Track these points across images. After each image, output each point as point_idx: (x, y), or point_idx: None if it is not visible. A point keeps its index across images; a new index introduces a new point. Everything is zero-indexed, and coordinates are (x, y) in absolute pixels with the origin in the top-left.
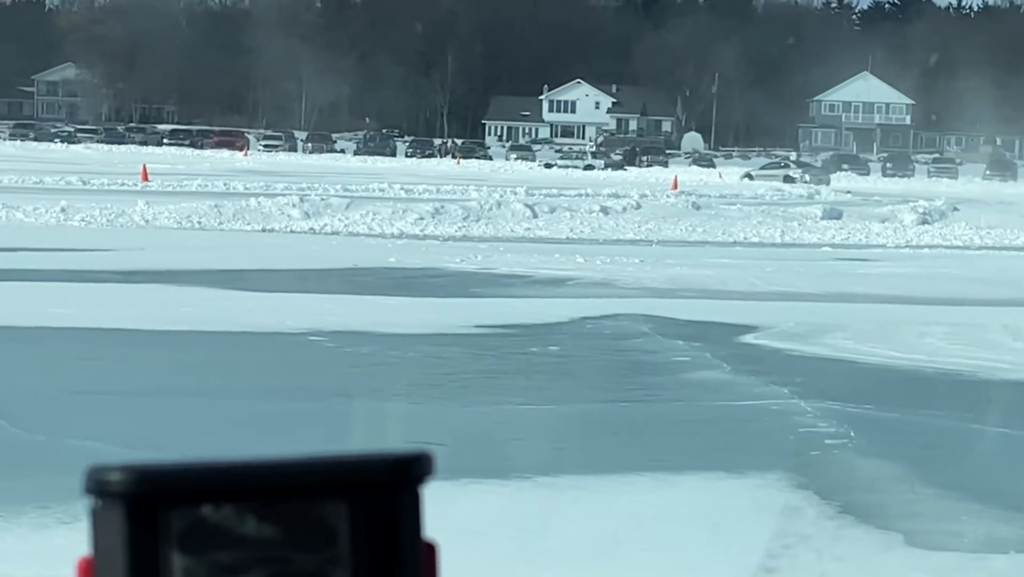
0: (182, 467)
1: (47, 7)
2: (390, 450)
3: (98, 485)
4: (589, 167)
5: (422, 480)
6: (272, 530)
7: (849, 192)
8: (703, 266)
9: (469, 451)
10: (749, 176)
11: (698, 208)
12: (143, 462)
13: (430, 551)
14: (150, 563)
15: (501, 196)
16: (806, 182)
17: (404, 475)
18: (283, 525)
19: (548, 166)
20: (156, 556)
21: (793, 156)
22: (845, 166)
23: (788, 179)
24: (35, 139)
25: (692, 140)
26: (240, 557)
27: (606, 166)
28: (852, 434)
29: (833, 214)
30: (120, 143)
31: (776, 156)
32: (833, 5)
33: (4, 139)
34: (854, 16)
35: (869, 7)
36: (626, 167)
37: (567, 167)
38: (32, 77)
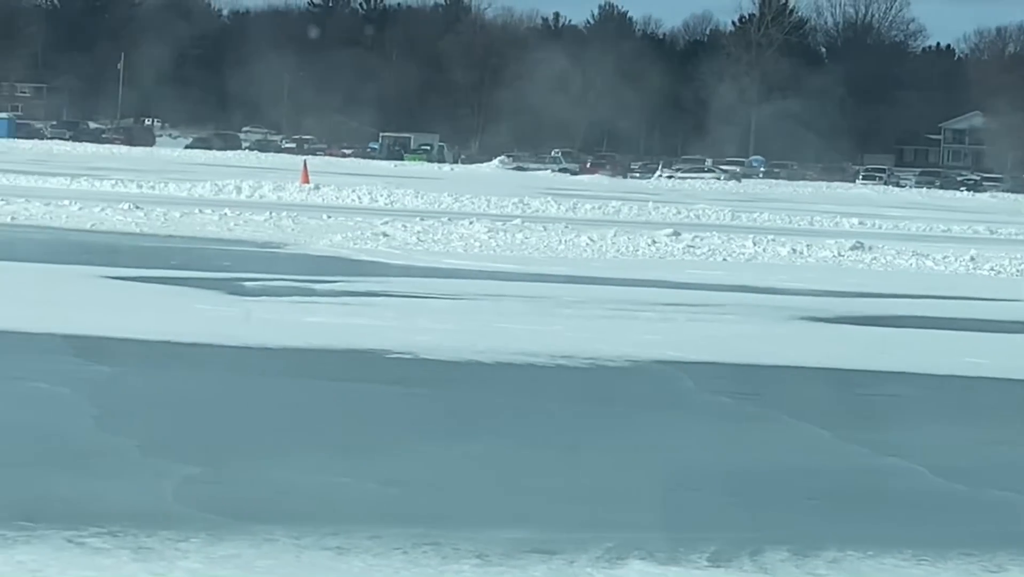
0: None
1: (956, 56)
2: None
3: None
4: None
5: None
6: None
7: None
8: None
9: None
10: None
11: None
12: None
13: None
14: None
15: None
16: None
17: None
18: None
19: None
20: None
21: None
22: None
23: None
24: (940, 187)
25: None
26: None
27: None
28: None
29: None
30: None
31: None
32: None
33: (910, 186)
34: None
35: None
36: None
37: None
38: (939, 125)
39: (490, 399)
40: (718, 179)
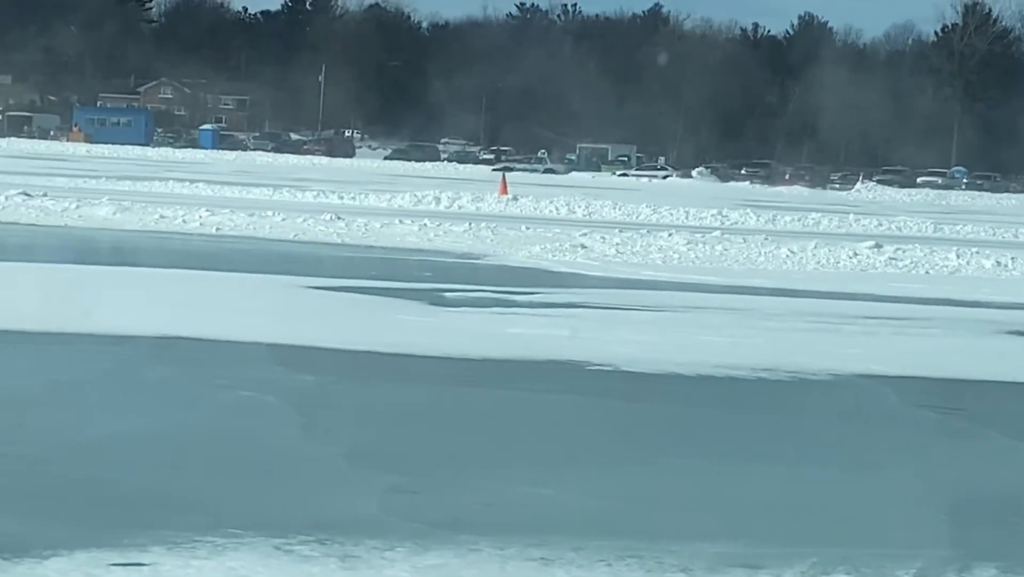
0: None
1: None
2: None
3: None
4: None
5: None
6: None
7: None
8: None
9: None
10: None
11: None
12: None
13: None
14: None
15: None
16: None
17: None
18: None
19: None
20: None
21: None
22: None
23: None
24: None
25: None
26: None
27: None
28: None
29: None
30: None
31: None
32: None
33: None
34: None
35: None
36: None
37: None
38: None
39: (691, 412)
40: (670, 176)
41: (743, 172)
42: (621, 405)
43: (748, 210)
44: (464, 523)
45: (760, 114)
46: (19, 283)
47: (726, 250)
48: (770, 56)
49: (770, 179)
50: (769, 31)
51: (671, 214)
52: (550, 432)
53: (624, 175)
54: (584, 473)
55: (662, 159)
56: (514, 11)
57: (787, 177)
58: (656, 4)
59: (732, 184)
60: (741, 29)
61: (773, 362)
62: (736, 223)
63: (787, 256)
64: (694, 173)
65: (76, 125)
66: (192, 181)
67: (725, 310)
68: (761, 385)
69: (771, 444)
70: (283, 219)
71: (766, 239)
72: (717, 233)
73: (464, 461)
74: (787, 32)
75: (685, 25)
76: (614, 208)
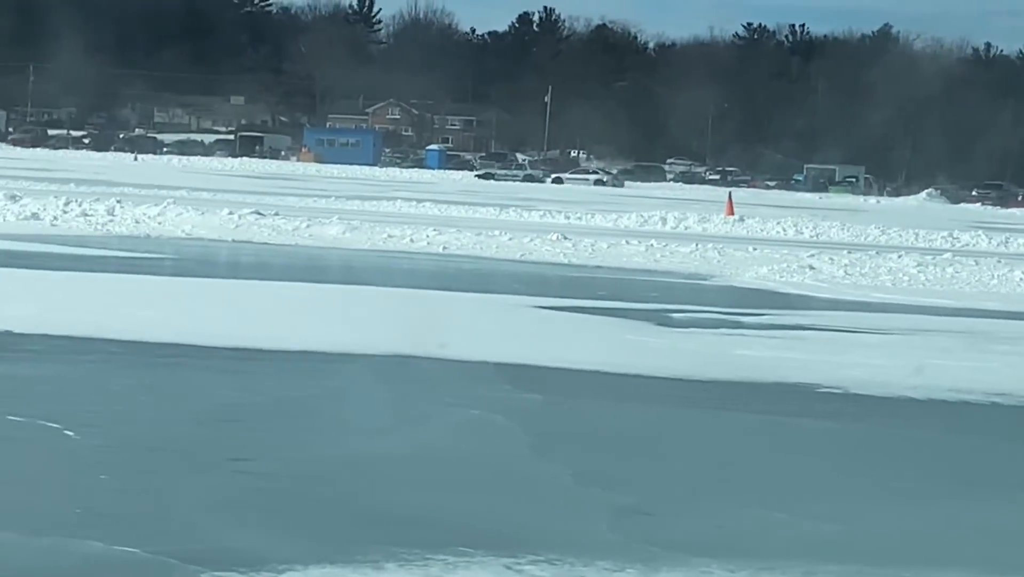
0: None
1: None
2: None
3: None
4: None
5: None
6: None
7: None
8: None
9: None
10: None
11: None
12: None
13: None
14: None
15: None
16: None
17: None
18: None
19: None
20: None
21: None
22: None
23: None
24: None
25: None
26: None
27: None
28: None
29: None
30: None
31: None
32: None
33: None
34: None
35: None
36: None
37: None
38: None
39: (924, 436)
40: (603, 181)
41: (974, 193)
42: (852, 429)
43: (980, 232)
44: (695, 546)
45: (992, 135)
46: (247, 300)
47: (957, 272)
48: (1002, 76)
49: (1002, 201)
50: (1002, 51)
51: (900, 235)
52: (780, 455)
53: (558, 180)
54: (815, 497)
55: (594, 163)
56: (741, 31)
57: (1020, 199)
58: (886, 24)
59: (962, 206)
60: (973, 49)
61: (1008, 387)
62: (967, 245)
63: (1021, 279)
64: (923, 194)
65: (306, 145)
66: (419, 201)
67: (957, 333)
68: (995, 410)
69: (1007, 471)
70: (510, 239)
71: (999, 262)
72: (948, 255)
73: (694, 483)
74: (1020, 52)
75: (915, 45)
76: (842, 229)
